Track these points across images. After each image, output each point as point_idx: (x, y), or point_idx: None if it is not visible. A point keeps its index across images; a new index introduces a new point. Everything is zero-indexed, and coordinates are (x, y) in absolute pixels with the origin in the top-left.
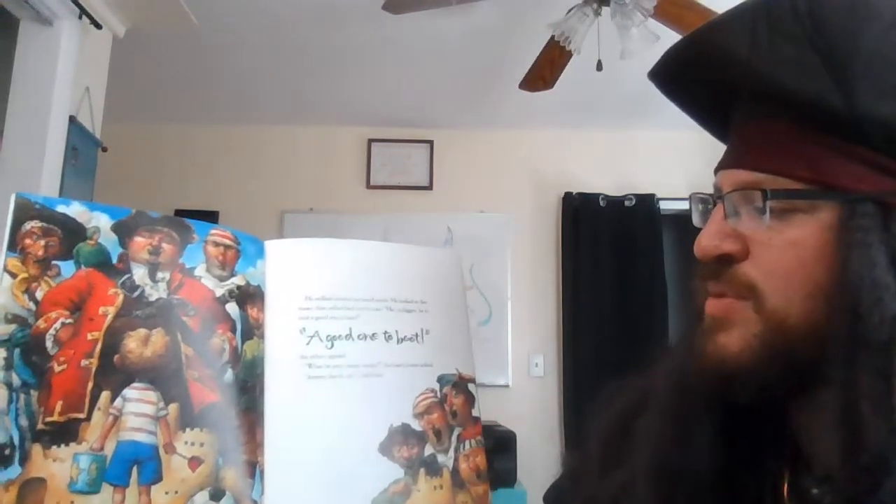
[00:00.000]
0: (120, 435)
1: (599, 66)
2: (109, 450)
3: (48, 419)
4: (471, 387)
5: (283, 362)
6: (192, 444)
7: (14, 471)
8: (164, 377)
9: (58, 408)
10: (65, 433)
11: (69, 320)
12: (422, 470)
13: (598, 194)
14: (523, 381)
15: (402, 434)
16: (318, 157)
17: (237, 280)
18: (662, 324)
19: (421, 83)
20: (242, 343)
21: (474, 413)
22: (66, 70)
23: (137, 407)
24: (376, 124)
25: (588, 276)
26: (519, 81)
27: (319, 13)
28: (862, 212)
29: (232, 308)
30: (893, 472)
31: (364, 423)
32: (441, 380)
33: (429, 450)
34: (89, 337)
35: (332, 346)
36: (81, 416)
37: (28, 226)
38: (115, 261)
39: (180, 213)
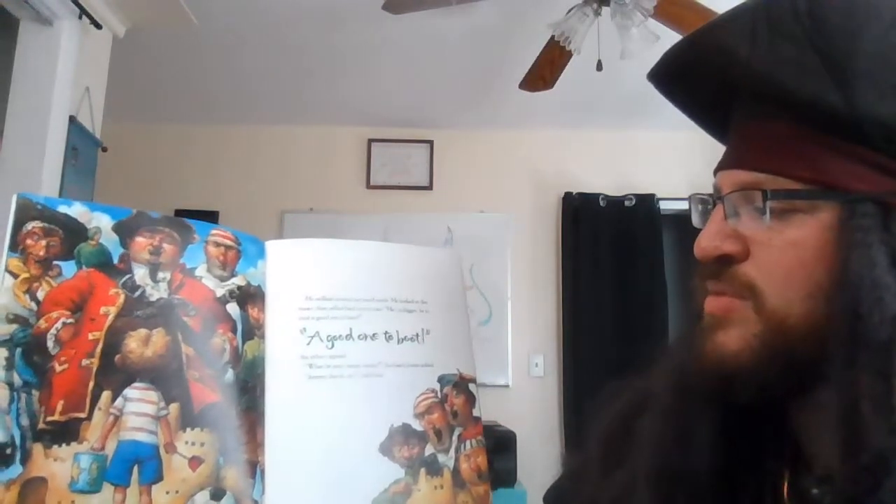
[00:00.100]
0: (121, 434)
1: (599, 66)
2: (110, 449)
3: (49, 419)
4: (471, 387)
5: (283, 362)
6: (193, 443)
7: (15, 470)
8: (164, 377)
9: (59, 407)
10: (66, 433)
11: (70, 320)
12: (422, 470)
13: (598, 194)
14: (523, 381)
15: (403, 434)
16: (318, 157)
17: (238, 280)
18: (662, 324)
19: (421, 83)
20: (243, 343)
21: (475, 413)
22: (66, 70)
23: (138, 407)
24: (376, 124)
25: (588, 276)
26: (519, 81)
27: (319, 13)
28: (862, 212)
29: (233, 308)
30: (893, 472)
31: (365, 423)
32: (442, 380)
33: (429, 450)
34: (90, 337)
35: (333, 346)
36: (82, 415)
37: (29, 226)
38: (116, 261)
39: (180, 213)
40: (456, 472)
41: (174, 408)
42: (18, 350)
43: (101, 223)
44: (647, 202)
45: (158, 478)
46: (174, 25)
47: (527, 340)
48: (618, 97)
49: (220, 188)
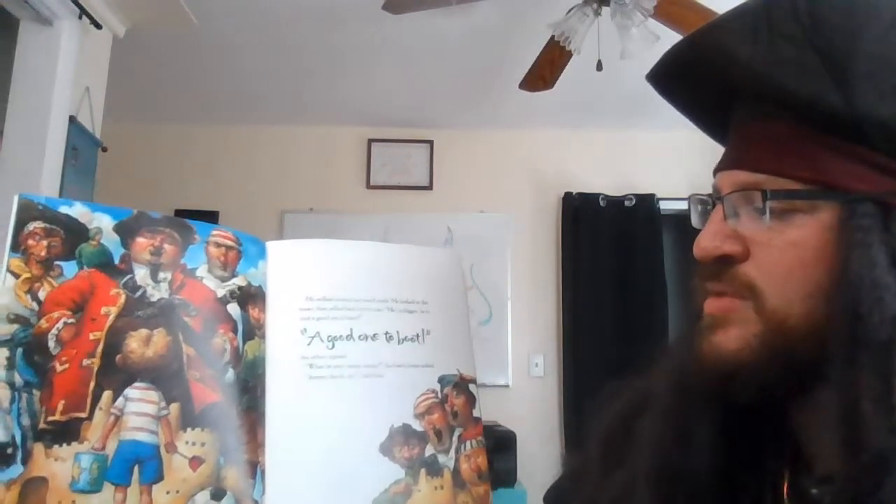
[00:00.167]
0: (121, 434)
1: (599, 66)
2: (111, 449)
3: (50, 419)
4: (472, 387)
5: (284, 363)
6: (194, 443)
7: (16, 470)
8: (165, 377)
9: (59, 407)
10: (66, 432)
11: (71, 320)
12: (423, 470)
13: (598, 194)
14: (523, 381)
15: (403, 434)
16: (318, 157)
17: (238, 281)
18: (662, 324)
19: (421, 83)
20: (244, 343)
21: (475, 413)
22: (66, 70)
23: (139, 406)
24: (376, 124)
25: (588, 276)
26: (519, 81)
27: (319, 13)
28: (862, 212)
29: (233, 308)
30: (894, 472)
31: (365, 424)
32: (442, 380)
33: (430, 450)
34: (91, 337)
35: (334, 346)
36: (83, 415)
37: (31, 226)
38: (117, 261)
39: (180, 213)
40: (456, 472)
41: (175, 408)
42: (19, 350)
43: (102, 223)
44: (647, 202)
45: (159, 478)
46: (174, 25)
47: (527, 340)
48: (618, 97)
49: (220, 188)
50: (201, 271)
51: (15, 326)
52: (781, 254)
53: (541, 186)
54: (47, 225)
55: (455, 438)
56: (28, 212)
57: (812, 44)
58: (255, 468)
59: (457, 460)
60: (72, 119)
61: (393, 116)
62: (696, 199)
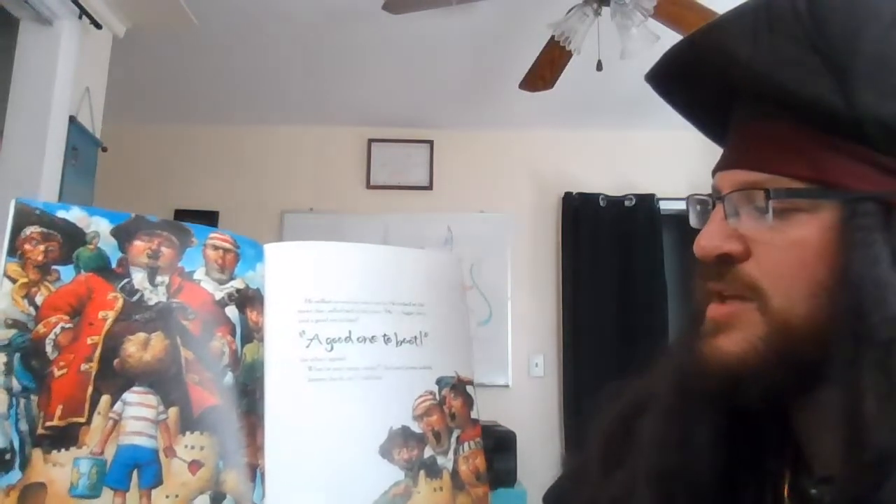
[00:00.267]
0: (120, 439)
1: (599, 66)
2: (110, 454)
3: (48, 424)
4: (469, 389)
5: (283, 365)
6: (193, 447)
7: (14, 476)
8: (163, 381)
9: (58, 412)
10: (65, 438)
11: (69, 325)
12: (422, 472)
13: (598, 194)
14: (523, 381)
15: (402, 436)
16: (318, 157)
17: (236, 283)
18: (662, 324)
19: (421, 83)
20: (242, 346)
21: (473, 415)
22: (66, 70)
23: (137, 411)
24: (376, 124)
25: (588, 276)
26: (519, 81)
27: (319, 13)
28: (864, 211)
29: (231, 311)
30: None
31: (364, 426)
32: (440, 382)
33: (428, 452)
34: (89, 341)
35: (332, 348)
36: (81, 420)
37: (28, 231)
38: (114, 265)
39: (180, 213)
40: (455, 473)
41: (173, 411)
42: (17, 355)
43: (99, 227)
44: (647, 202)
45: (158, 482)
46: (174, 25)
47: (527, 340)
48: (618, 97)
49: (220, 188)
50: (199, 274)
51: (12, 331)
52: (783, 253)
53: (541, 186)
54: (44, 229)
55: (453, 440)
56: (25, 216)
57: (812, 44)
58: (254, 471)
59: (455, 462)
60: (72, 119)
61: (393, 116)
62: (695, 199)
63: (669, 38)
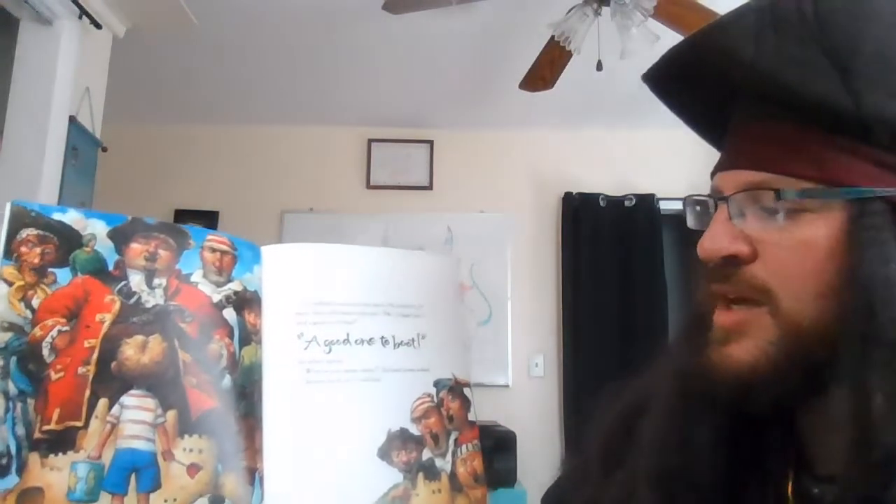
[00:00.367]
0: (118, 443)
1: (599, 66)
2: (107, 458)
3: (45, 428)
4: (467, 391)
5: (281, 368)
6: (191, 450)
7: (11, 480)
8: (161, 384)
9: (55, 416)
10: (62, 442)
11: (66, 328)
12: (420, 474)
13: (598, 194)
14: (523, 381)
15: (401, 439)
16: (318, 157)
17: (234, 286)
18: (662, 324)
19: (421, 83)
20: (240, 349)
21: (470, 417)
22: (66, 70)
23: (135, 414)
24: (376, 124)
25: (588, 276)
26: (519, 81)
27: (319, 13)
28: (872, 210)
29: (229, 314)
30: None
31: (363, 428)
32: (438, 384)
33: (427, 454)
34: (86, 344)
35: (330, 350)
36: (79, 424)
37: (24, 234)
38: (111, 268)
39: (180, 213)
40: (453, 476)
41: (171, 415)
42: (13, 358)
43: (96, 230)
44: (647, 202)
45: (156, 486)
46: (174, 25)
47: (527, 340)
48: (618, 97)
49: (220, 188)
50: (196, 276)
51: (9, 335)
52: (791, 254)
53: (541, 186)
54: (40, 232)
55: (451, 442)
56: (21, 219)
57: (818, 44)
58: (253, 475)
59: (453, 464)
60: (72, 119)
61: (393, 116)
62: (692, 200)
63: (669, 38)
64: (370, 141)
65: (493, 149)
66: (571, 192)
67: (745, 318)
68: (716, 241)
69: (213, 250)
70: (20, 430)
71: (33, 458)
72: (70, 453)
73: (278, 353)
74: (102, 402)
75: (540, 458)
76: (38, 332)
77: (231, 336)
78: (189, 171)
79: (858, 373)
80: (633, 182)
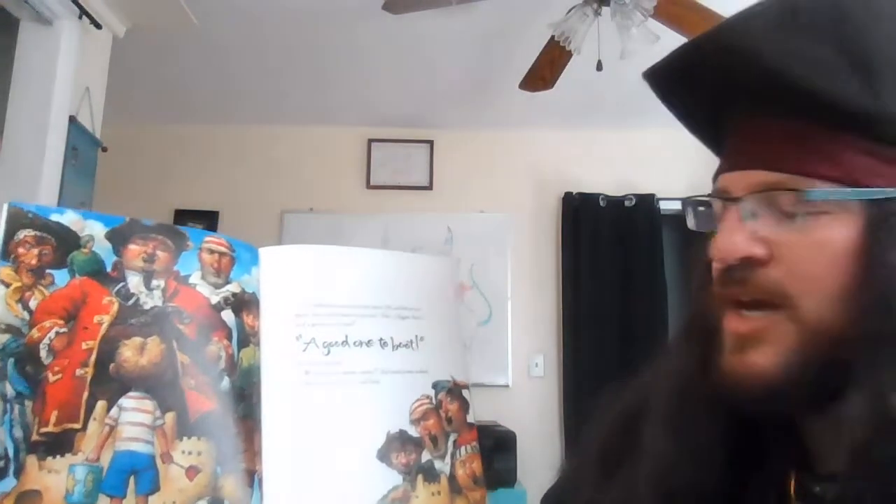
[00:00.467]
0: (116, 445)
1: (599, 66)
2: (106, 460)
3: (43, 430)
4: (465, 393)
5: (279, 369)
6: (190, 452)
7: (9, 483)
8: (160, 386)
9: (53, 418)
10: (60, 444)
11: (63, 329)
12: (419, 476)
13: (598, 194)
14: (523, 381)
15: (400, 440)
16: (318, 157)
17: (232, 287)
18: (662, 324)
19: (421, 83)
20: (239, 351)
21: (469, 419)
22: (66, 70)
23: (133, 416)
24: (376, 124)
25: (588, 276)
26: (519, 81)
27: (319, 13)
28: (891, 211)
29: (227, 315)
30: None
31: (362, 430)
32: (436, 386)
33: (426, 456)
34: (84, 346)
35: (329, 352)
36: (77, 426)
37: (21, 235)
38: (109, 269)
39: (180, 213)
40: (452, 478)
41: (170, 417)
42: (11, 360)
43: (94, 231)
44: (647, 202)
45: (155, 488)
46: (174, 25)
47: (527, 340)
48: (618, 97)
49: (220, 188)
50: (195, 278)
51: (6, 336)
52: (809, 255)
53: (541, 186)
54: (38, 233)
55: (450, 444)
56: (18, 220)
57: (838, 43)
58: (252, 477)
59: (452, 466)
60: (72, 119)
61: (393, 116)
62: (694, 201)
63: (669, 37)
64: (370, 141)
65: (493, 149)
66: (571, 192)
67: (762, 324)
68: (731, 242)
69: (212, 252)
70: (18, 433)
71: (31, 461)
72: (68, 456)
73: (277, 355)
74: (101, 404)
75: (540, 458)
76: (35, 333)
77: (229, 338)
78: (189, 171)
79: (876, 373)
80: (633, 182)
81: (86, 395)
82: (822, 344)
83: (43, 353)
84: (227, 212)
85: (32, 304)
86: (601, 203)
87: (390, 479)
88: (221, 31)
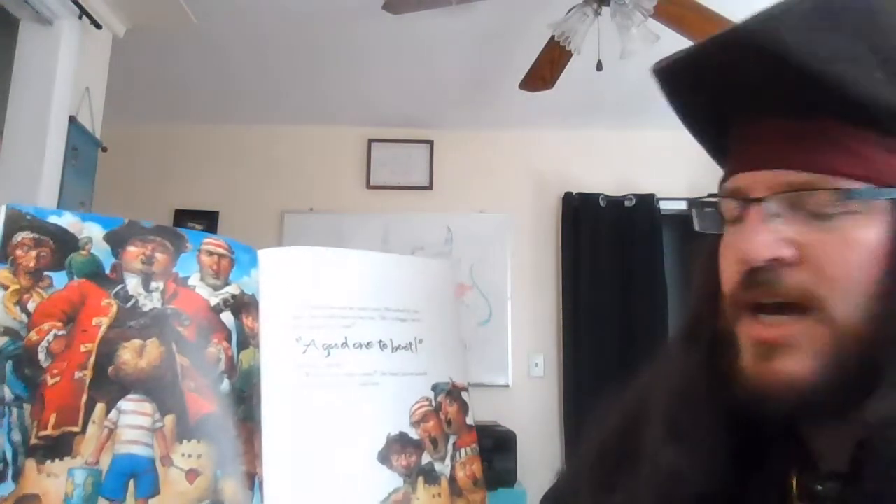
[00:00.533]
0: (115, 448)
1: (599, 66)
2: (105, 464)
3: (42, 433)
4: (464, 395)
5: (279, 371)
6: (190, 455)
7: (7, 487)
8: (159, 388)
9: (51, 421)
10: (59, 447)
11: (62, 332)
12: (420, 479)
13: (598, 194)
14: (523, 381)
15: (400, 443)
16: (318, 157)
17: (231, 289)
18: (662, 324)
19: (421, 83)
20: (238, 352)
21: (468, 421)
22: (66, 70)
23: (133, 419)
24: (376, 124)
25: (588, 276)
26: (519, 81)
27: (319, 13)
28: None
29: (227, 317)
30: None
31: (363, 432)
32: (436, 388)
33: (426, 458)
34: (83, 349)
35: (329, 354)
36: (76, 429)
37: (19, 237)
38: (107, 271)
39: (180, 213)
40: (452, 480)
41: (170, 419)
42: (9, 363)
43: (92, 233)
44: (647, 202)
45: (155, 492)
46: (174, 25)
47: (527, 340)
48: (618, 97)
49: (220, 188)
50: (194, 280)
51: (4, 339)
52: (839, 256)
53: (541, 186)
54: (36, 235)
55: (450, 446)
56: (16, 222)
57: (870, 42)
58: (252, 480)
59: (452, 468)
60: (72, 119)
61: (393, 116)
62: (701, 202)
63: (669, 37)
64: (370, 141)
65: (493, 149)
66: (571, 192)
67: (791, 329)
68: (758, 244)
69: (211, 253)
70: (16, 436)
71: (30, 465)
72: (67, 459)
73: (277, 357)
74: (100, 407)
75: (540, 458)
76: (33, 336)
77: (229, 340)
78: (189, 171)
79: None
80: (633, 182)
81: (85, 397)
82: (853, 346)
83: (41, 356)
84: (226, 212)
85: (31, 306)
86: (601, 203)
87: (391, 481)
88: (221, 31)
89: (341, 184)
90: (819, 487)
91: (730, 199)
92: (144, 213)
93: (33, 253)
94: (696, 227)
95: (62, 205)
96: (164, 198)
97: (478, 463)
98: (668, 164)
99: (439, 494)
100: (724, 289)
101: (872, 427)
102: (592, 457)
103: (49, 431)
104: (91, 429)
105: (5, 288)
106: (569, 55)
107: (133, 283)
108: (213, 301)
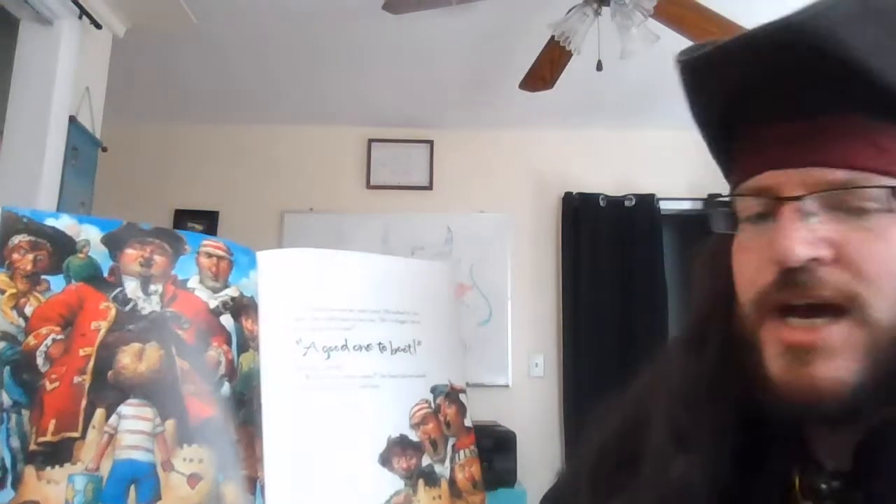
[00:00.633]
0: (116, 453)
1: (599, 66)
2: (105, 469)
3: (41, 439)
4: (462, 397)
5: (280, 374)
6: (191, 460)
7: (6, 495)
8: (159, 392)
9: (51, 427)
10: (59, 453)
11: (60, 336)
12: (420, 481)
13: (598, 194)
14: (523, 381)
15: (401, 445)
16: (318, 157)
17: (231, 291)
18: (662, 324)
19: (421, 83)
20: (238, 355)
21: (466, 423)
22: (66, 70)
23: (133, 424)
24: (376, 124)
25: (588, 276)
26: (519, 81)
27: (319, 13)
28: None
29: (227, 320)
30: None
31: (363, 435)
32: (434, 390)
33: (426, 460)
34: (81, 353)
35: (329, 357)
36: (75, 434)
37: (15, 240)
38: (106, 274)
39: (180, 213)
40: (452, 482)
41: (170, 424)
42: (7, 368)
43: (89, 235)
44: (647, 202)
45: (156, 497)
46: (174, 25)
47: (527, 340)
48: (618, 97)
49: (220, 188)
50: (193, 282)
51: (2, 344)
52: (879, 256)
53: (541, 186)
54: (33, 238)
55: (449, 448)
56: (12, 225)
57: None
58: (254, 483)
59: (452, 470)
60: (72, 119)
61: (393, 116)
62: (717, 201)
63: (669, 37)
64: (370, 141)
65: (493, 149)
66: (571, 192)
67: (829, 332)
68: (795, 243)
69: (209, 255)
70: (15, 443)
71: (29, 472)
72: (67, 465)
73: (277, 360)
74: (99, 412)
75: (540, 458)
76: (31, 340)
77: (229, 342)
78: (189, 171)
79: None
80: (633, 182)
81: (84, 402)
82: (890, 347)
83: (40, 361)
84: (226, 212)
85: (28, 310)
86: (601, 203)
87: (392, 483)
88: (221, 31)
89: (341, 184)
90: (823, 486)
91: (755, 198)
92: (144, 213)
93: (30, 256)
94: (715, 228)
95: (62, 205)
96: (163, 198)
97: (477, 465)
98: (668, 164)
99: (440, 496)
100: (745, 290)
101: (875, 426)
102: (592, 457)
103: (48, 437)
104: (91, 434)
105: (2, 292)
106: (569, 55)
107: (132, 286)
108: (213, 303)
